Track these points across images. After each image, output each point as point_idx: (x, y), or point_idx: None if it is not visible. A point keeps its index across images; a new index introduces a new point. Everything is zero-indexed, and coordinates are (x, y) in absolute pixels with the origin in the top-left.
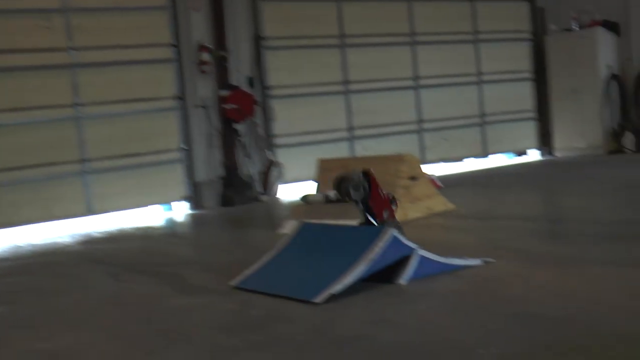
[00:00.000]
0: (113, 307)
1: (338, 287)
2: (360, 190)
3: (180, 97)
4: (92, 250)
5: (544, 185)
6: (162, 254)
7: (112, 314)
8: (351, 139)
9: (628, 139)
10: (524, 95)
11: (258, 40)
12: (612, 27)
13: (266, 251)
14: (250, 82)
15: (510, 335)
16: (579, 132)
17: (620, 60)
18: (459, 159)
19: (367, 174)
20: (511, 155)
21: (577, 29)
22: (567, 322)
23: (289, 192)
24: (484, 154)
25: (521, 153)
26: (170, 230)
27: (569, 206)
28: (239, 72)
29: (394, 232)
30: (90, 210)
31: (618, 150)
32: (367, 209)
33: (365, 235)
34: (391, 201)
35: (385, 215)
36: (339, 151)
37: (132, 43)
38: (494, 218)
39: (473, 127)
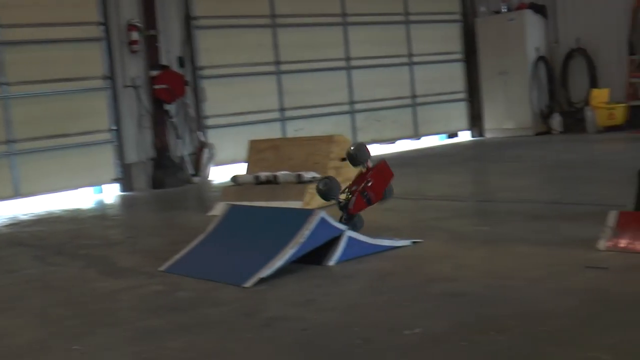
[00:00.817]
0: (39, 290)
1: (267, 271)
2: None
3: (110, 77)
4: (18, 233)
5: (474, 165)
6: (91, 236)
7: (39, 297)
8: (283, 119)
9: (555, 120)
10: (455, 76)
11: (189, 20)
12: (539, 9)
13: (197, 234)
14: (181, 62)
15: (436, 315)
16: (508, 113)
17: (548, 42)
18: (392, 141)
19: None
20: (443, 136)
21: (506, 11)
22: (493, 301)
23: (221, 173)
24: (417, 135)
25: (453, 134)
26: (100, 213)
27: (498, 186)
28: (170, 52)
29: (322, 214)
30: (17, 193)
31: (546, 131)
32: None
33: (294, 218)
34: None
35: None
36: (271, 132)
37: (59, 21)
38: (424, 198)
39: (405, 109)
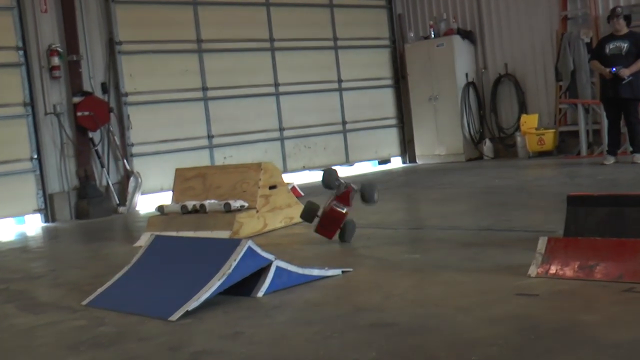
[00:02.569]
0: None
1: (194, 303)
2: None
3: (30, 104)
4: None
5: (406, 192)
6: (11, 270)
7: None
8: (211, 147)
9: (486, 146)
10: (385, 102)
11: (112, 45)
12: (467, 35)
13: (121, 266)
14: (104, 89)
15: (365, 346)
16: (440, 139)
17: (477, 68)
18: (322, 167)
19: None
20: (375, 162)
21: (434, 37)
22: (422, 330)
23: (148, 203)
24: (348, 161)
25: (385, 160)
26: (21, 245)
27: (429, 213)
28: (93, 78)
29: (250, 243)
30: None
31: (478, 157)
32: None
33: (222, 248)
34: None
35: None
36: (199, 160)
37: None
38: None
39: (335, 135)
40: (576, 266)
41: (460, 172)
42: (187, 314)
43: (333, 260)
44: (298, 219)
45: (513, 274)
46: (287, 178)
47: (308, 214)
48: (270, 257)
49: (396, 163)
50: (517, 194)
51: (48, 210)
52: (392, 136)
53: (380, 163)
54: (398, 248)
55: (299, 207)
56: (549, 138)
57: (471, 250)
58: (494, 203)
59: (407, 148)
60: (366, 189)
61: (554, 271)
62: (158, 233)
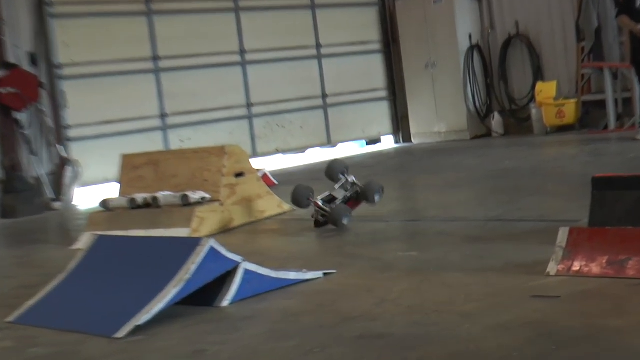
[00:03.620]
0: None
1: (145, 316)
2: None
3: None
4: None
5: (400, 178)
6: None
7: None
8: (165, 128)
9: (495, 121)
10: (373, 71)
11: (41, 7)
12: None
13: (56, 273)
14: (33, 60)
15: None
16: (439, 114)
17: (482, 29)
18: (300, 150)
19: None
20: (363, 143)
21: None
22: (421, 342)
23: (89, 197)
24: (330, 143)
25: (374, 141)
26: None
27: (427, 202)
28: (18, 48)
29: (212, 243)
30: None
31: (485, 134)
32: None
33: (178, 249)
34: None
35: None
36: (151, 144)
37: None
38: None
39: (315, 111)
40: (604, 261)
41: (465, 153)
42: (137, 329)
43: (313, 260)
44: (271, 212)
45: (528, 272)
46: (257, 164)
47: (300, 198)
48: (237, 258)
49: (388, 143)
50: (532, 177)
51: None
52: (382, 112)
53: (368, 144)
54: (391, 245)
55: (272, 199)
56: (569, 110)
57: (478, 245)
58: (505, 189)
59: (400, 125)
60: (368, 188)
61: (578, 268)
62: (101, 233)
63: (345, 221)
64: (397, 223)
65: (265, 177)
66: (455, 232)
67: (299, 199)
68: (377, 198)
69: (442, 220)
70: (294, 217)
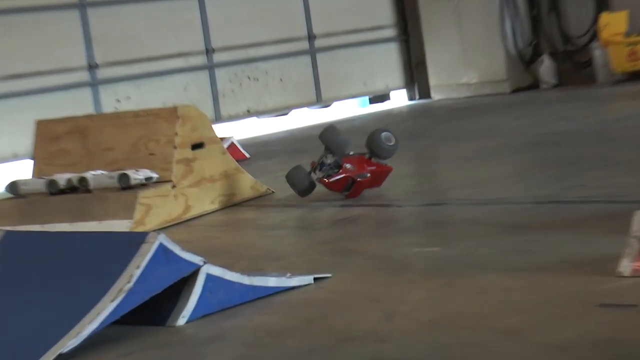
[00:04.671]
0: None
1: (71, 342)
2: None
3: None
4: None
5: (415, 147)
6: None
7: None
8: (95, 84)
9: (545, 67)
10: (377, 2)
11: None
12: None
13: None
14: None
15: None
16: (467, 59)
17: None
18: (279, 112)
19: None
20: (364, 102)
21: None
22: None
23: None
24: (320, 101)
25: (380, 98)
26: None
27: (452, 179)
28: None
29: (162, 239)
30: None
31: (531, 85)
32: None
33: (116, 249)
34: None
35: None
36: (76, 106)
37: None
38: (333, 204)
39: (298, 58)
40: None
41: (503, 112)
42: (61, 359)
43: (300, 260)
44: (242, 195)
45: (592, 272)
46: (222, 131)
47: (305, 184)
48: (196, 260)
49: (398, 100)
50: (596, 144)
51: None
52: (389, 57)
53: (373, 101)
54: (404, 237)
55: (242, 178)
56: None
57: (522, 236)
58: (558, 159)
59: (414, 76)
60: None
61: None
62: (9, 228)
63: (391, 144)
64: (411, 208)
65: (233, 148)
66: (490, 219)
67: (304, 183)
68: (386, 145)
69: (472, 204)
70: (272, 201)
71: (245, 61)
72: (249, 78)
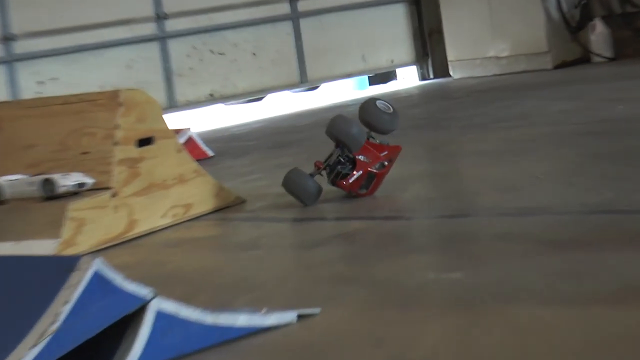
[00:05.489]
0: None
1: None
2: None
3: None
4: None
5: (428, 139)
6: None
7: None
8: (9, 60)
9: (597, 35)
10: None
11: None
12: None
13: None
14: None
15: None
16: (496, 26)
17: None
18: (253, 95)
19: None
20: (363, 82)
21: None
22: None
23: None
24: (305, 81)
25: (384, 77)
26: None
27: (476, 181)
28: None
29: (99, 266)
30: None
31: (579, 59)
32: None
33: (39, 278)
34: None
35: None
36: None
37: None
38: (320, 216)
39: (277, 26)
40: None
41: (542, 93)
42: None
43: (279, 290)
44: (204, 206)
45: None
46: (177, 121)
47: (313, 188)
48: (143, 293)
49: (407, 80)
50: None
51: None
52: (396, 24)
53: (374, 82)
54: (416, 260)
55: (204, 183)
56: None
57: (569, 256)
58: (614, 156)
59: (428, 48)
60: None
61: None
62: None
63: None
64: (424, 220)
65: (191, 144)
66: (527, 234)
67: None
68: (384, 116)
69: (504, 214)
70: (246, 213)
71: (207, 30)
72: (212, 52)
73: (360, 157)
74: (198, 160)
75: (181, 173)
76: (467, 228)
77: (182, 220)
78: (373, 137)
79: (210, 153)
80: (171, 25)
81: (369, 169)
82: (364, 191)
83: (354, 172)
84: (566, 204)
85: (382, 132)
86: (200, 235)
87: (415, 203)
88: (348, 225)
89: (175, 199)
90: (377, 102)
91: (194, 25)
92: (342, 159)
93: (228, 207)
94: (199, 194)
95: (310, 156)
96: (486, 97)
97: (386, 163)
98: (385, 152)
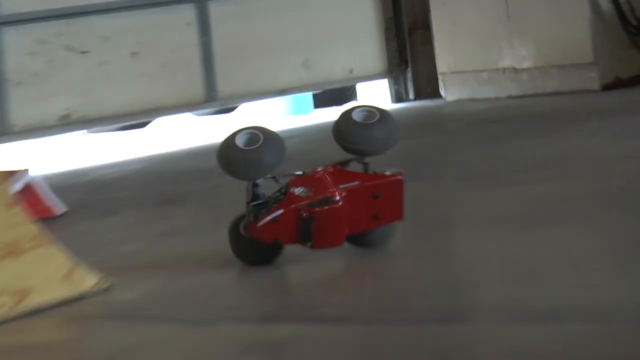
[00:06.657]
0: None
1: None
2: None
3: None
4: None
5: (407, 197)
6: None
7: None
8: None
9: None
10: None
11: None
12: None
13: None
14: None
15: None
16: (514, 23)
17: None
18: (132, 118)
19: None
20: (304, 103)
21: None
22: None
23: None
24: (215, 98)
25: (340, 97)
26: None
27: (481, 265)
28: None
29: None
30: None
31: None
32: None
33: None
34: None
35: None
36: None
37: None
38: (224, 316)
39: (173, 12)
40: None
41: (584, 126)
42: None
43: None
44: (46, 294)
45: None
46: (10, 158)
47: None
48: None
49: (375, 101)
50: None
51: None
52: (358, 12)
53: (321, 103)
54: None
55: (51, 257)
56: None
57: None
58: None
59: (407, 52)
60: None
61: None
62: None
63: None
64: (402, 327)
65: (30, 194)
66: (554, 354)
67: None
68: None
69: (518, 320)
70: (111, 306)
71: (62, 14)
72: (69, 49)
73: (295, 189)
74: (41, 220)
75: (12, 241)
76: (460, 341)
77: (12, 316)
78: (366, 164)
79: (60, 209)
80: (5, 6)
81: (300, 206)
82: (308, 244)
83: (272, 212)
84: (615, 304)
85: (372, 153)
86: (37, 342)
87: (389, 297)
88: (278, 330)
89: (2, 282)
90: (354, 113)
91: (41, 7)
92: (281, 192)
93: (84, 296)
94: (39, 275)
95: (218, 217)
96: (496, 132)
97: (338, 198)
98: (354, 183)
